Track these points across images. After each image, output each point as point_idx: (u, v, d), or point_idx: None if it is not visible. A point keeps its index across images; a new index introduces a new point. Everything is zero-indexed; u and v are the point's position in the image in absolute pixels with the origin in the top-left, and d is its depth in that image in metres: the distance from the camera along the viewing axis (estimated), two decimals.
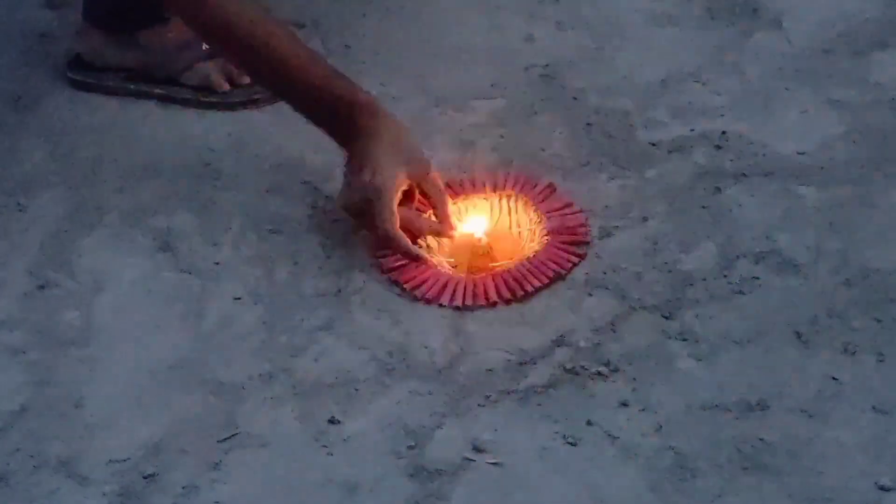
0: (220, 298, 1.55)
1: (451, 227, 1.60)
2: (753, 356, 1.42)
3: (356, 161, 1.57)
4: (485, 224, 1.61)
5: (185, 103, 1.87)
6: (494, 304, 1.51)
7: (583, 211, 1.62)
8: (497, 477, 1.32)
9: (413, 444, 1.36)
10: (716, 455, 1.32)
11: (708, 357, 1.42)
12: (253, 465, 1.35)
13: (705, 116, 1.76)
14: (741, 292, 1.49)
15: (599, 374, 1.41)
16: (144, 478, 1.35)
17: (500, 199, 1.64)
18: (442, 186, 1.61)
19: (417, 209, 1.61)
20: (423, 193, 1.60)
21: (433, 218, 1.61)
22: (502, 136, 1.76)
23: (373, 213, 1.55)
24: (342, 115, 1.58)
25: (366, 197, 1.55)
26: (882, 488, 1.27)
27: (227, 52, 1.70)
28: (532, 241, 1.59)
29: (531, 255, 1.56)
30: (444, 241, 1.61)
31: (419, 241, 1.59)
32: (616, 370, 1.41)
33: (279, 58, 1.58)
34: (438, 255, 1.59)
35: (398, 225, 1.55)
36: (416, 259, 1.55)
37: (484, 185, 1.66)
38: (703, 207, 1.61)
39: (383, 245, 1.56)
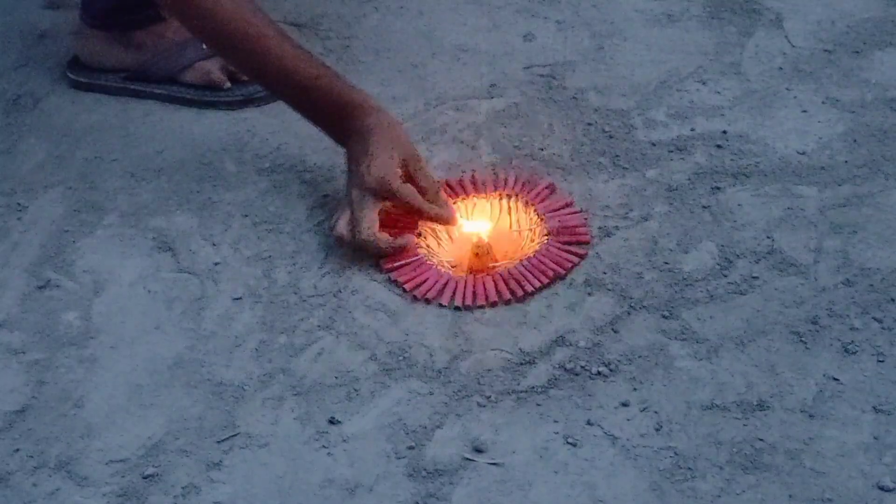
0: (219, 298, 1.55)
1: (452, 213, 1.59)
2: (753, 356, 1.41)
3: (354, 158, 1.58)
4: (485, 224, 1.61)
5: (185, 103, 1.87)
6: (494, 304, 1.51)
7: (583, 211, 1.62)
8: (497, 477, 1.32)
9: (413, 444, 1.36)
10: (716, 455, 1.32)
11: (708, 357, 1.42)
12: (253, 465, 1.35)
13: (705, 116, 1.76)
14: (741, 292, 1.49)
15: (599, 374, 1.41)
16: (144, 478, 1.35)
17: (500, 199, 1.64)
18: (436, 177, 1.61)
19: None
20: (418, 186, 1.59)
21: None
22: (502, 136, 1.76)
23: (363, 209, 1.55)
24: (337, 115, 1.59)
25: (374, 189, 1.55)
26: (882, 488, 1.27)
27: (222, 52, 1.71)
28: (532, 241, 1.59)
29: (531, 255, 1.56)
30: (444, 241, 1.61)
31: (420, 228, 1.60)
32: (616, 370, 1.41)
33: (274, 57, 1.58)
34: (439, 255, 1.59)
35: (377, 227, 1.55)
36: (400, 249, 1.56)
37: (484, 185, 1.66)
38: (703, 207, 1.61)
39: (364, 247, 1.56)
